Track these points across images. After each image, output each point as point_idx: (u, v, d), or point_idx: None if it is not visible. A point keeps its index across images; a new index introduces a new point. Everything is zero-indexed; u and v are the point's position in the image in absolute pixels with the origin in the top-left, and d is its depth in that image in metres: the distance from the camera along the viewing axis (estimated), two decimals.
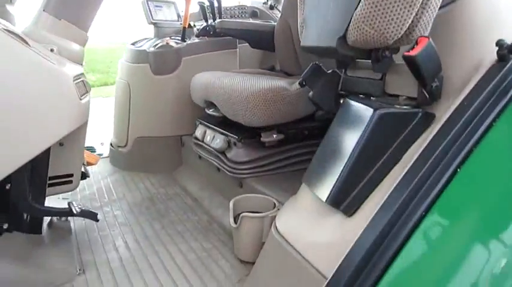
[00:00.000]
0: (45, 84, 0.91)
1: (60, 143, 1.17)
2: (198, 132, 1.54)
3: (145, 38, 2.03)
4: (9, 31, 0.85)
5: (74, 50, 1.13)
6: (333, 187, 0.79)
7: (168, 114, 1.83)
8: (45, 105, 0.91)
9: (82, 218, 1.40)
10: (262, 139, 1.27)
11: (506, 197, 0.62)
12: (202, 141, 1.49)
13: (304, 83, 1.04)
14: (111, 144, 2.02)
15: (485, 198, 0.63)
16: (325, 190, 0.81)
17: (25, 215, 1.09)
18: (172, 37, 1.91)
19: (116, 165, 1.97)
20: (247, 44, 1.91)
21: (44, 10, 1.05)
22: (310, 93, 1.04)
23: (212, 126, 1.48)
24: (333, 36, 0.84)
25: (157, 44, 1.82)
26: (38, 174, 1.09)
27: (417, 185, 0.66)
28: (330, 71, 1.03)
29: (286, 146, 1.33)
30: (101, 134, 2.46)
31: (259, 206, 1.13)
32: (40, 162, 1.08)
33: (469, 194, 0.64)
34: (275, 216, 0.94)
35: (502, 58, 0.70)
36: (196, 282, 1.03)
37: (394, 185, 0.69)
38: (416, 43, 0.72)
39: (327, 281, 0.69)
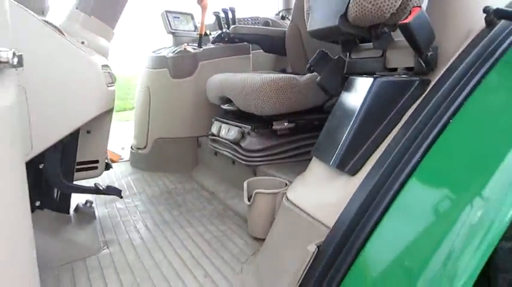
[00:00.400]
0: (78, 70, 1.02)
1: (88, 131, 1.27)
2: (214, 128, 1.64)
3: (164, 47, 2.16)
4: (48, 23, 0.97)
5: (102, 44, 1.25)
6: (338, 151, 0.86)
7: (186, 117, 1.93)
8: (79, 88, 1.02)
9: (105, 207, 1.49)
10: (274, 127, 1.35)
11: (491, 145, 0.67)
12: (218, 135, 1.58)
13: (312, 69, 1.13)
14: (131, 147, 2.13)
15: (474, 146, 0.69)
16: (331, 156, 0.88)
17: (55, 194, 1.19)
18: (189, 44, 2.04)
19: (136, 166, 2.06)
20: (260, 50, 2.02)
21: (76, 8, 1.18)
22: (318, 79, 1.12)
23: (226, 120, 1.57)
24: (335, 16, 0.93)
25: (175, 51, 1.95)
26: (68, 156, 1.19)
27: (409, 140, 0.73)
28: (336, 57, 1.12)
29: (297, 136, 1.41)
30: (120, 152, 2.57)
31: (272, 186, 1.20)
32: (70, 145, 1.18)
33: (459, 142, 0.70)
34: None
35: (489, 23, 0.77)
36: (212, 255, 1.09)
37: (396, 134, 0.76)
38: (410, 13, 0.80)
39: (329, 230, 0.75)
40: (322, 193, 0.88)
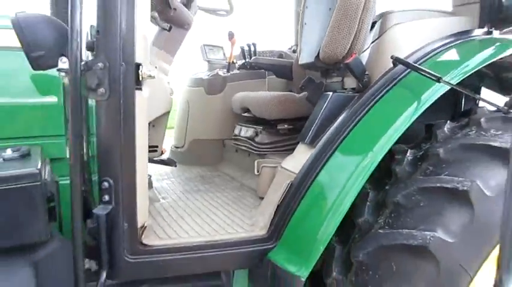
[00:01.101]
0: (159, 83, 1.68)
1: (153, 125, 1.93)
2: (236, 131, 2.27)
3: (201, 71, 2.85)
4: None
5: (165, 67, 1.92)
6: (309, 133, 1.47)
7: (215, 123, 2.58)
8: (159, 93, 1.68)
9: (157, 181, 2.12)
10: (278, 127, 1.97)
11: (378, 131, 1.26)
12: (239, 135, 2.21)
13: (302, 88, 1.77)
14: (171, 146, 2.78)
15: (371, 131, 1.29)
16: (305, 137, 1.49)
17: None
18: (220, 69, 2.71)
19: None
20: (273, 76, 2.67)
21: (153, 45, 1.86)
22: (307, 95, 1.75)
23: (245, 124, 2.21)
24: (313, 57, 1.56)
25: (210, 74, 2.62)
26: None
27: (342, 125, 1.33)
28: (318, 81, 1.75)
29: (294, 134, 2.02)
30: None
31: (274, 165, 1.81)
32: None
33: (365, 129, 1.30)
34: None
35: (394, 65, 1.38)
36: (234, 204, 1.70)
37: (335, 125, 1.37)
38: (351, 56, 1.43)
39: (295, 175, 1.36)
40: (298, 159, 1.49)
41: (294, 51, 3.03)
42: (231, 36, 2.58)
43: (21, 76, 1.47)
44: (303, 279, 1.14)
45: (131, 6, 1.06)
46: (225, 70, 2.68)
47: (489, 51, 1.36)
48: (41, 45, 1.07)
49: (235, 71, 2.68)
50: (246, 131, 2.13)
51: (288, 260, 1.22)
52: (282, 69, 2.57)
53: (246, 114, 2.20)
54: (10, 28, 1.12)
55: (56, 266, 1.05)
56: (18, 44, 1.10)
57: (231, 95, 2.44)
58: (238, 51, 2.89)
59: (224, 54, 2.93)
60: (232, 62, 2.72)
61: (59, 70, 1.10)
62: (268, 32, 3.28)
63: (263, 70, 2.64)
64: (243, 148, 2.18)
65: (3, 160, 1.07)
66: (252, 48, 2.78)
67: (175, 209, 1.63)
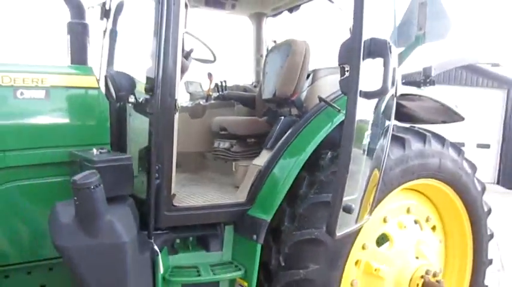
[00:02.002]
0: None
1: None
2: (216, 144, 3.15)
3: (185, 101, 3.72)
4: None
5: None
6: (268, 142, 2.41)
7: (197, 139, 3.44)
8: None
9: None
10: (247, 141, 2.89)
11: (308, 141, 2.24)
12: (218, 147, 3.10)
13: (265, 114, 2.72)
14: None
15: (305, 139, 2.26)
16: (266, 145, 2.43)
17: None
18: (200, 99, 3.61)
19: None
20: (240, 105, 3.60)
21: None
22: (267, 118, 2.71)
23: (222, 140, 3.10)
24: (271, 94, 2.53)
25: (192, 103, 3.51)
26: None
27: (290, 135, 2.28)
28: (274, 110, 2.72)
29: (258, 146, 2.94)
30: None
31: None
32: None
33: (302, 138, 2.27)
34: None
35: (320, 100, 2.36)
36: (219, 189, 2.56)
37: (284, 137, 2.31)
38: (294, 95, 2.40)
39: (261, 167, 2.28)
40: (262, 158, 2.41)
41: (255, 87, 4.02)
42: (209, 75, 3.50)
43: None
44: (268, 220, 2.05)
45: (175, 71, 1.96)
46: (204, 100, 3.58)
47: None
48: (122, 88, 1.93)
49: (212, 101, 3.59)
50: (223, 144, 3.03)
51: (259, 213, 2.12)
52: (247, 101, 3.53)
53: (222, 132, 3.10)
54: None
55: (132, 212, 1.86)
56: None
57: (209, 119, 3.33)
58: (213, 85, 3.81)
59: (201, 87, 3.83)
60: (209, 94, 3.63)
61: (129, 102, 1.97)
62: (233, 68, 4.26)
63: (233, 101, 3.58)
64: (221, 156, 3.06)
65: (100, 153, 1.88)
66: (224, 84, 3.72)
67: (187, 187, 2.47)
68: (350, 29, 1.56)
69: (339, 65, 1.50)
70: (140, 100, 1.99)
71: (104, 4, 3.17)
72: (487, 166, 13.99)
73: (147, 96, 1.98)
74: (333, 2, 3.18)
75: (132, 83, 2.01)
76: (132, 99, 1.97)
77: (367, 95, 1.49)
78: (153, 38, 1.96)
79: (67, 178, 2.06)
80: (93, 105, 2.27)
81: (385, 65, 1.47)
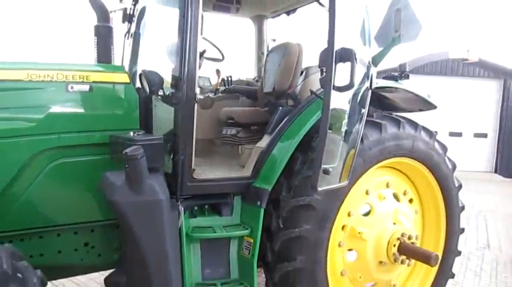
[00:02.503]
0: None
1: None
2: (224, 131, 3.68)
3: None
4: None
5: None
6: (268, 128, 2.94)
7: (206, 128, 3.96)
8: None
9: None
10: (251, 128, 3.41)
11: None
12: (226, 134, 3.62)
13: (266, 106, 3.25)
14: None
15: (298, 125, 2.79)
16: (267, 131, 2.96)
17: None
18: (209, 92, 4.13)
19: None
20: (244, 97, 4.12)
21: None
22: (267, 109, 3.24)
23: (230, 127, 3.63)
24: (271, 88, 3.05)
25: (202, 96, 4.02)
26: None
27: (286, 122, 2.80)
28: (273, 102, 3.25)
29: (260, 132, 3.47)
30: None
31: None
32: None
33: (296, 124, 2.79)
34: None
35: (311, 93, 2.88)
36: (229, 167, 3.09)
37: (281, 124, 2.84)
38: (290, 89, 2.92)
39: (263, 148, 2.81)
40: (264, 141, 2.94)
41: (257, 81, 4.54)
42: (217, 72, 4.02)
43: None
44: (269, 189, 2.58)
45: (195, 69, 2.48)
46: (213, 93, 4.10)
47: None
48: (154, 83, 2.46)
49: (219, 94, 4.11)
50: (230, 131, 3.55)
51: (261, 184, 2.65)
52: (249, 94, 4.06)
53: (230, 121, 3.62)
54: None
55: (164, 180, 2.39)
56: None
57: (217, 110, 3.84)
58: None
59: (210, 82, 4.36)
60: (217, 88, 4.15)
61: (158, 95, 2.49)
62: (237, 65, 4.79)
63: (238, 94, 4.10)
64: (229, 141, 3.58)
65: (137, 135, 2.40)
66: (230, 79, 4.24)
67: (201, 167, 2.99)
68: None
69: (319, 67, 2.03)
70: (167, 93, 2.52)
71: (125, 9, 3.70)
72: (484, 155, 14.51)
73: (173, 91, 2.50)
74: (323, 6, 3.68)
75: (161, 79, 2.53)
76: (161, 92, 2.50)
77: (339, 89, 2.02)
78: (177, 42, 2.48)
79: (105, 157, 2.61)
80: (125, 97, 2.78)
81: (352, 67, 2.00)
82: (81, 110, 2.65)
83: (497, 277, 4.88)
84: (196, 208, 2.73)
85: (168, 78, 2.62)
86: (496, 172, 14.35)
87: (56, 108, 2.57)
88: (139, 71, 3.00)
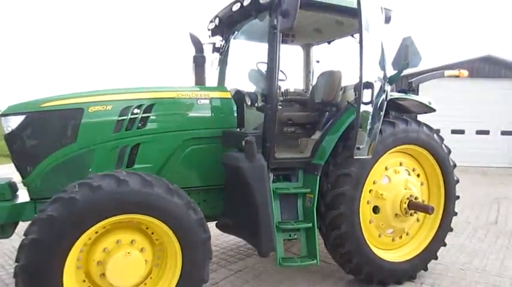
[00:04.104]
0: None
1: None
2: (285, 129, 5.33)
3: None
4: None
5: None
6: (319, 126, 4.59)
7: None
8: None
9: None
10: (306, 126, 5.05)
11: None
12: (287, 131, 5.26)
13: (316, 111, 4.91)
14: None
15: (339, 123, 4.41)
16: (319, 127, 4.61)
17: None
18: None
19: None
20: (297, 104, 5.77)
21: None
22: (317, 114, 4.90)
23: (289, 126, 5.27)
24: (321, 98, 4.70)
25: None
26: None
27: (331, 122, 4.43)
28: (320, 110, 4.90)
29: (312, 129, 5.09)
30: None
31: None
32: None
33: (337, 123, 4.43)
34: None
35: (348, 103, 4.50)
36: (294, 153, 4.75)
37: (328, 124, 4.47)
38: (333, 100, 4.55)
39: (317, 138, 4.46)
40: (317, 134, 4.59)
41: (305, 92, 6.20)
42: (279, 87, 5.68)
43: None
44: (322, 164, 4.22)
45: (276, 88, 4.16)
46: None
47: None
48: (253, 99, 4.16)
49: (280, 103, 5.75)
50: (290, 129, 5.19)
51: (317, 160, 4.30)
52: (301, 102, 5.71)
53: (289, 122, 5.25)
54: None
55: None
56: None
57: (280, 114, 5.48)
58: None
59: None
60: (278, 98, 5.80)
61: (254, 106, 4.19)
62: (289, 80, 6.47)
63: (293, 102, 5.75)
64: (289, 136, 5.22)
65: (244, 130, 4.09)
66: (287, 91, 5.90)
67: (276, 150, 4.67)
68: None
69: (354, 91, 3.66)
70: (260, 105, 4.20)
71: (214, 44, 5.44)
72: (510, 152, 15.54)
73: (263, 103, 4.17)
74: (355, 38, 5.28)
75: (256, 96, 4.22)
76: (256, 104, 4.19)
77: (365, 103, 3.66)
78: (267, 69, 4.15)
79: (217, 145, 4.29)
80: (228, 107, 4.49)
81: (372, 92, 3.62)
82: (204, 115, 4.37)
83: (497, 242, 6.30)
84: (275, 177, 4.39)
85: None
86: None
87: (190, 114, 4.30)
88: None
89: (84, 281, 3.32)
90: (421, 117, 7.48)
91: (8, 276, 4.78)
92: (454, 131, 15.57)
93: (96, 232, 3.25)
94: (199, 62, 4.97)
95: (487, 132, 15.63)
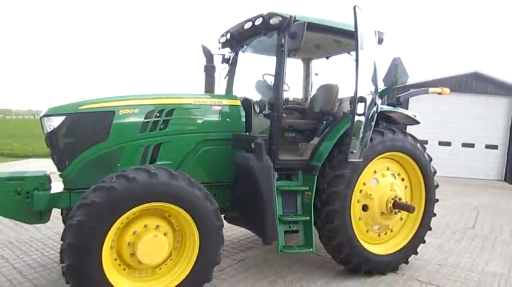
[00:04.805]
0: None
1: None
2: (285, 135, 6.02)
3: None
4: None
5: None
6: (317, 133, 5.29)
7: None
8: None
9: None
10: (305, 133, 5.74)
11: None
12: (288, 136, 5.95)
13: (314, 119, 5.62)
14: None
15: (335, 131, 5.12)
16: (317, 134, 5.32)
17: None
18: None
19: None
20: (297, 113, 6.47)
21: None
22: (315, 122, 5.61)
23: (290, 132, 5.96)
24: (319, 108, 5.40)
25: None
26: None
27: (328, 129, 5.14)
28: (319, 118, 5.61)
29: (311, 135, 5.79)
30: None
31: None
32: None
33: (334, 130, 5.14)
34: None
35: (343, 114, 5.20)
36: (291, 155, 5.45)
37: (325, 131, 5.18)
38: (331, 110, 5.27)
39: (316, 143, 5.16)
40: (316, 140, 5.29)
41: (304, 101, 6.90)
42: None
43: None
44: (320, 165, 4.91)
45: (282, 97, 4.85)
46: None
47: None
48: (262, 107, 4.85)
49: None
50: (291, 134, 5.88)
51: (315, 162, 4.97)
52: (301, 110, 6.41)
53: (290, 128, 5.93)
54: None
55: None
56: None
57: (283, 121, 6.17)
58: None
59: None
60: None
61: (262, 113, 4.87)
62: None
63: (293, 111, 6.44)
64: (290, 141, 5.90)
65: (252, 134, 4.76)
66: (287, 100, 6.59)
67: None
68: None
69: (350, 103, 4.37)
70: (267, 112, 4.87)
71: (223, 55, 6.12)
72: (495, 165, 16.48)
73: (270, 111, 4.85)
74: (351, 55, 6.00)
75: (264, 105, 4.89)
76: (264, 112, 4.87)
77: (359, 115, 4.36)
78: (274, 81, 4.83)
79: (227, 146, 4.96)
80: (238, 113, 5.16)
81: (365, 105, 4.33)
82: (217, 120, 5.03)
83: (472, 244, 7.05)
84: (278, 176, 5.06)
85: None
86: (505, 180, 16.29)
87: (205, 119, 4.96)
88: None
89: (115, 259, 3.93)
90: (410, 129, 8.31)
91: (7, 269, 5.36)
92: (441, 143, 16.45)
93: (127, 218, 3.86)
94: (209, 71, 5.64)
95: (472, 145, 16.52)
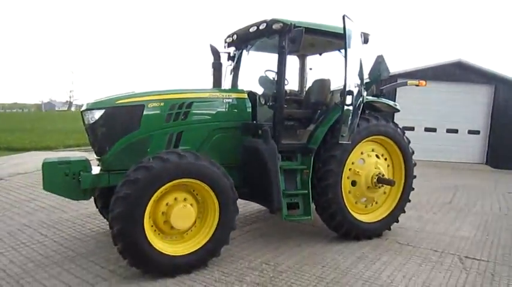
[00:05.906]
0: None
1: None
2: (285, 122, 7.05)
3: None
4: None
5: None
6: (313, 120, 6.34)
7: None
8: None
9: None
10: (302, 121, 6.78)
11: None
12: (287, 124, 6.98)
13: (310, 109, 6.67)
14: None
15: (329, 117, 6.17)
16: (314, 121, 6.37)
17: None
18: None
19: None
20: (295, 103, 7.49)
21: None
22: (311, 111, 6.65)
23: (289, 121, 7.00)
24: (315, 99, 6.44)
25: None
26: None
27: (322, 116, 6.18)
28: (315, 107, 6.66)
29: (307, 123, 6.82)
30: None
31: None
32: None
33: (328, 116, 6.18)
34: None
35: (335, 104, 6.24)
36: (296, 140, 6.49)
37: (320, 118, 6.22)
38: (325, 101, 6.29)
39: (312, 129, 6.21)
40: (311, 127, 6.34)
41: (300, 93, 7.92)
42: None
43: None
44: (315, 148, 5.96)
45: (284, 90, 5.87)
46: None
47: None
48: (267, 98, 5.87)
49: None
50: (289, 123, 6.89)
51: (312, 145, 6.00)
52: (298, 101, 7.44)
53: (289, 117, 6.94)
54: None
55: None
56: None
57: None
58: None
59: None
60: None
61: (266, 104, 5.89)
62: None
63: (291, 101, 7.44)
64: (289, 128, 6.92)
65: (259, 122, 5.77)
66: (286, 91, 7.60)
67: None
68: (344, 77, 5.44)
69: (340, 95, 5.42)
70: (271, 104, 5.89)
71: (229, 53, 7.11)
72: (477, 149, 17.76)
73: (274, 102, 5.86)
74: (341, 53, 7.01)
75: (268, 97, 5.90)
76: (268, 103, 5.88)
77: (347, 105, 5.40)
78: (276, 77, 5.84)
79: (237, 133, 5.97)
80: (246, 104, 6.15)
81: (352, 97, 5.35)
82: (228, 111, 6.02)
83: (447, 215, 8.21)
84: (280, 156, 6.08)
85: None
86: (486, 163, 17.58)
87: (218, 110, 5.95)
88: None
89: (152, 226, 4.94)
90: (398, 116, 9.41)
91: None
92: (426, 129, 17.64)
93: (161, 192, 4.86)
94: (217, 68, 6.63)
95: (456, 131, 17.76)
